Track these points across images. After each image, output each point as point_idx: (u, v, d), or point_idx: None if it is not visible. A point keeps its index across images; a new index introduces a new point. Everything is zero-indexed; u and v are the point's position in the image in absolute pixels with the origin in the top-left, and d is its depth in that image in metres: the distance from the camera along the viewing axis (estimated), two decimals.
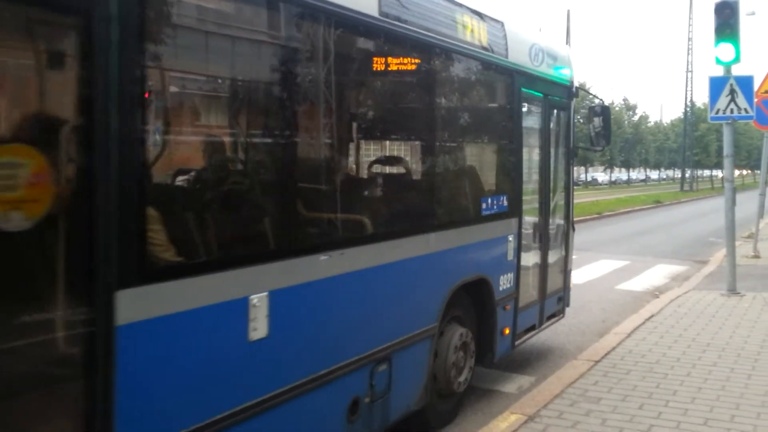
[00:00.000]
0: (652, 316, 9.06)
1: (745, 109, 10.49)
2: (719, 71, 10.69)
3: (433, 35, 5.11)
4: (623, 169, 77.91)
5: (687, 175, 62.12)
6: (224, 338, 3.33)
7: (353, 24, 4.29)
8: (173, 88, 3.43)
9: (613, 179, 75.97)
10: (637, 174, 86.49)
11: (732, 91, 10.44)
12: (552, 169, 7.52)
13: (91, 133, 2.65)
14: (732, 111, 10.51)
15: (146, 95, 2.97)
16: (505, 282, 6.28)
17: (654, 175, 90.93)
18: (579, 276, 13.20)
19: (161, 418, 2.95)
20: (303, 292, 3.82)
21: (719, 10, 10.31)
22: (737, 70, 10.67)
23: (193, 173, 3.59)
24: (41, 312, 2.67)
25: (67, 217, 2.66)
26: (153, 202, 3.01)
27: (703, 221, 25.21)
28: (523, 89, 6.62)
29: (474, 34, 5.71)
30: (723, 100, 10.53)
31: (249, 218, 3.74)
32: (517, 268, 6.53)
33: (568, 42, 41.69)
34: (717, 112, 10.65)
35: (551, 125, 7.43)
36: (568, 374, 6.58)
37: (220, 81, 3.69)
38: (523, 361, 7.41)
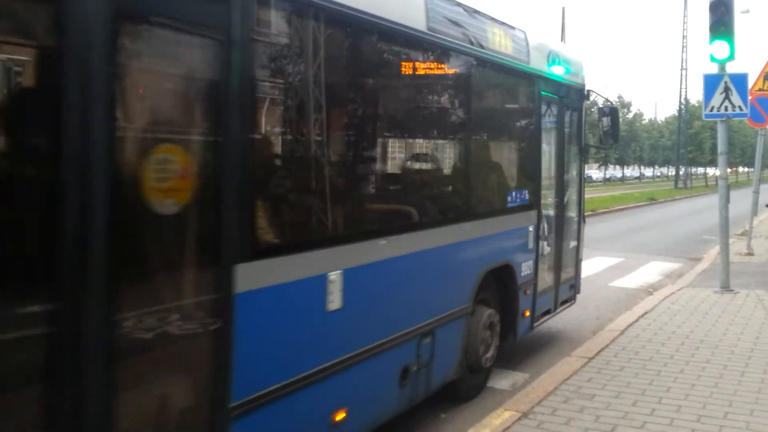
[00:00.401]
0: (645, 313, 9.08)
1: (740, 107, 10.50)
2: (714, 69, 10.70)
3: (469, 46, 5.77)
4: (618, 167, 78.04)
5: (681, 173, 62.25)
6: (309, 307, 3.98)
7: (407, 37, 4.97)
8: (277, 101, 4.12)
9: (607, 176, 76.07)
10: (631, 171, 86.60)
11: (726, 89, 10.45)
12: (565, 165, 8.08)
13: (220, 139, 3.35)
14: (726, 108, 10.53)
15: (258, 109, 3.73)
16: (525, 268, 6.90)
17: (648, 172, 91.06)
18: None
19: (263, 368, 3.62)
20: (367, 271, 4.46)
21: (714, 7, 10.33)
22: (732, 68, 10.70)
23: (290, 173, 4.20)
24: (184, 278, 3.34)
25: (200, 205, 3.32)
26: (260, 196, 3.73)
27: (697, 219, 25.28)
28: (542, 92, 7.26)
29: (502, 43, 6.39)
30: (717, 98, 10.54)
31: (328, 209, 4.33)
32: (536, 257, 7.14)
33: (563, 39, 41.68)
34: (711, 110, 10.66)
35: (565, 125, 8.03)
36: (562, 371, 6.59)
37: (308, 95, 4.22)
38: (517, 358, 7.41)
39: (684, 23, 60.43)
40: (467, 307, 5.84)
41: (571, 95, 8.14)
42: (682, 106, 60.91)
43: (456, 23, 5.60)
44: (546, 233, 7.43)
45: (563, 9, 51.32)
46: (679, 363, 6.86)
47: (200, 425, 3.34)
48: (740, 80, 10.59)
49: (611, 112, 8.71)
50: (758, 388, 6.11)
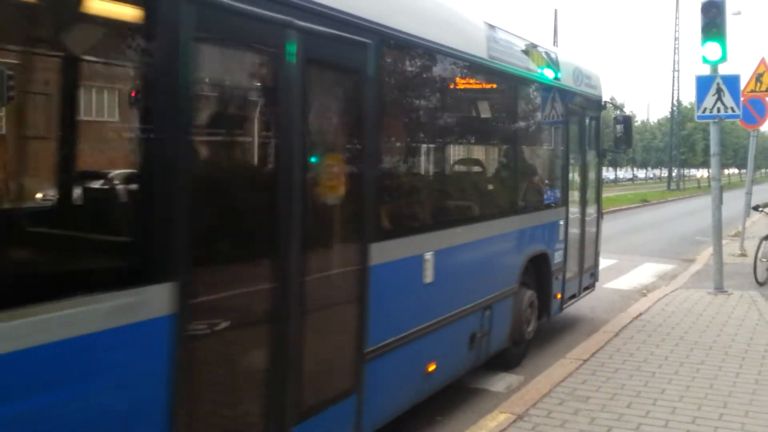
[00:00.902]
0: (640, 314, 9.09)
1: (732, 108, 10.53)
2: (706, 70, 10.73)
3: (519, 68, 6.95)
4: (610, 168, 78.26)
5: (674, 174, 62.47)
6: (412, 279, 5.10)
7: (471, 63, 6.10)
8: (394, 124, 5.20)
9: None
10: (624, 173, 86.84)
11: (719, 90, 10.48)
12: (586, 168, 9.10)
13: (364, 147, 4.54)
14: (719, 110, 10.56)
15: (383, 130, 4.85)
16: (557, 257, 8.00)
17: (641, 174, 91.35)
18: None
19: (385, 324, 4.71)
20: (450, 252, 5.56)
21: (706, 9, 10.36)
22: (724, 70, 10.73)
23: (402, 179, 5.35)
24: (340, 251, 4.53)
25: (349, 199, 4.46)
26: (384, 194, 4.88)
27: (690, 220, 25.34)
28: (569, 104, 8.35)
29: (538, 62, 7.49)
30: (710, 99, 10.57)
31: (425, 205, 5.64)
32: (565, 247, 8.21)
33: (555, 41, 41.79)
34: (704, 111, 10.69)
35: (587, 133, 9.07)
36: (556, 373, 6.58)
37: (416, 116, 5.61)
38: (512, 360, 7.40)
39: (676, 25, 60.68)
40: (515, 288, 6.94)
41: (591, 106, 9.19)
42: (675, 108, 61.14)
43: (506, 49, 6.76)
44: (572, 227, 8.50)
45: (556, 11, 51.53)
46: (674, 364, 6.86)
47: (349, 363, 4.45)
48: (732, 81, 10.62)
49: (624, 120, 9.80)
50: (753, 389, 6.12)
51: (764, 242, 12.03)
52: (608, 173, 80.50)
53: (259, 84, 4.01)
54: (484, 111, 6.78)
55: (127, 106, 3.28)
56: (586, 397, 5.92)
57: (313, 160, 4.13)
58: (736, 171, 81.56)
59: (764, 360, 7.02)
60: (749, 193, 16.09)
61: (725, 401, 5.82)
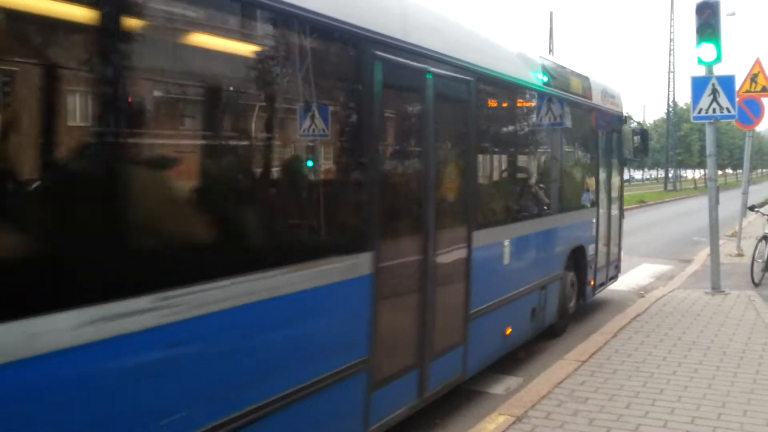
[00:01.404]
0: (637, 315, 9.11)
1: (727, 109, 10.55)
2: (701, 71, 10.76)
3: (564, 92, 8.48)
4: None
5: (670, 175, 62.53)
6: (498, 261, 6.63)
7: (533, 91, 7.72)
8: (485, 139, 6.81)
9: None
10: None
11: (714, 91, 10.51)
12: (612, 174, 10.58)
13: (468, 159, 6.14)
14: (714, 110, 10.58)
15: (480, 143, 6.49)
16: (591, 249, 9.42)
17: (638, 175, 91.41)
18: None
19: (481, 294, 6.20)
20: (520, 240, 7.12)
21: (700, 10, 10.39)
22: (719, 70, 10.75)
23: (492, 183, 7.14)
24: (455, 237, 5.87)
25: (459, 196, 6.04)
26: (481, 194, 6.56)
27: (687, 220, 25.37)
28: (599, 120, 9.82)
29: (577, 87, 8.99)
30: (705, 100, 10.60)
31: (505, 203, 7.31)
32: (597, 241, 9.63)
33: (551, 43, 41.84)
34: (699, 112, 10.72)
35: (611, 144, 10.51)
36: (555, 374, 6.59)
37: (501, 133, 7.34)
38: (510, 362, 7.41)
39: (671, 26, 60.69)
40: (561, 273, 8.47)
41: (615, 120, 10.67)
42: (671, 109, 61.24)
43: (555, 76, 8.23)
44: (601, 224, 9.87)
45: (551, 13, 51.63)
46: (672, 365, 6.87)
47: (460, 321, 5.90)
48: (727, 82, 10.65)
49: (642, 132, 11.59)
50: (751, 389, 6.13)
51: (761, 242, 12.06)
52: None
53: (410, 111, 5.53)
54: (542, 129, 8.16)
55: (352, 136, 4.69)
56: (585, 398, 5.93)
57: (440, 168, 5.68)
58: (731, 171, 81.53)
59: (762, 359, 7.03)
60: (746, 193, 16.14)
61: (723, 401, 5.83)
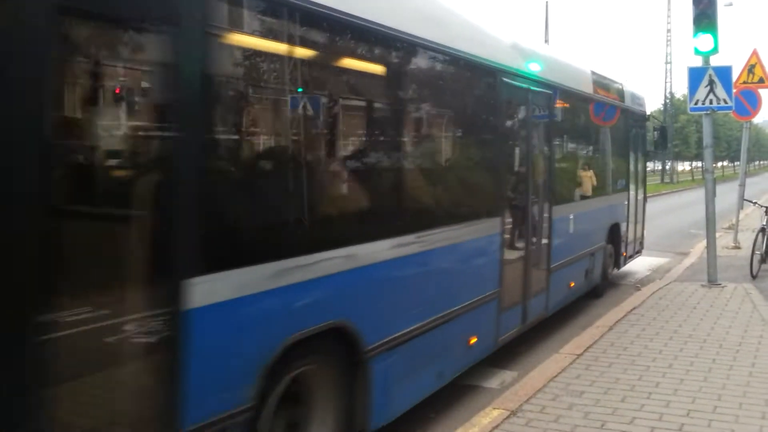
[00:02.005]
0: (634, 308, 9.08)
1: (724, 100, 10.51)
2: (698, 62, 10.71)
3: (607, 98, 10.55)
4: None
5: (667, 167, 62.47)
6: (567, 230, 8.64)
7: (584, 97, 9.63)
8: (566, 140, 9.43)
9: None
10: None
11: (711, 82, 10.46)
12: (638, 164, 12.54)
13: (551, 153, 8.34)
14: (711, 102, 10.54)
15: (559, 142, 8.92)
16: (623, 226, 11.38)
17: None
18: None
19: (557, 254, 8.23)
20: (580, 216, 9.05)
21: (697, 0, 10.33)
22: (716, 61, 10.71)
23: (565, 170, 9.16)
24: (545, 209, 8.05)
25: (545, 180, 8.11)
26: (558, 176, 8.57)
27: (684, 213, 25.31)
28: (630, 119, 11.84)
29: (615, 93, 11.09)
30: (702, 91, 10.55)
31: (570, 185, 9.35)
32: (627, 220, 11.60)
33: (546, 33, 41.66)
34: (696, 103, 10.67)
35: (638, 138, 12.48)
36: (550, 368, 6.56)
37: (572, 135, 9.78)
38: (505, 356, 7.38)
39: (668, 17, 60.58)
40: (604, 243, 10.45)
41: (640, 119, 12.63)
42: (668, 100, 61.15)
43: (599, 85, 10.13)
44: (630, 206, 11.80)
45: (546, 3, 51.52)
46: (668, 358, 6.84)
47: (544, 273, 7.98)
48: (724, 73, 10.60)
49: (661, 129, 13.62)
50: (746, 382, 6.11)
51: (759, 235, 12.04)
52: None
53: (519, 119, 7.73)
54: (595, 128, 10.39)
55: (490, 140, 6.86)
56: (580, 391, 5.89)
57: (534, 159, 7.92)
58: (728, 163, 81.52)
59: (758, 352, 7.01)
60: (743, 185, 16.09)
61: (719, 394, 5.81)
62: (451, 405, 6.00)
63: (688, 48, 10.51)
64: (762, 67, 14.30)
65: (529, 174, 7.56)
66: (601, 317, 8.75)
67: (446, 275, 5.76)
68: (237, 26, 3.83)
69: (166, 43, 3.26)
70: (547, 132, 8.25)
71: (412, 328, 5.14)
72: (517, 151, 7.59)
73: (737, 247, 15.10)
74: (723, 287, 10.51)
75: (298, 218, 4.08)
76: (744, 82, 14.30)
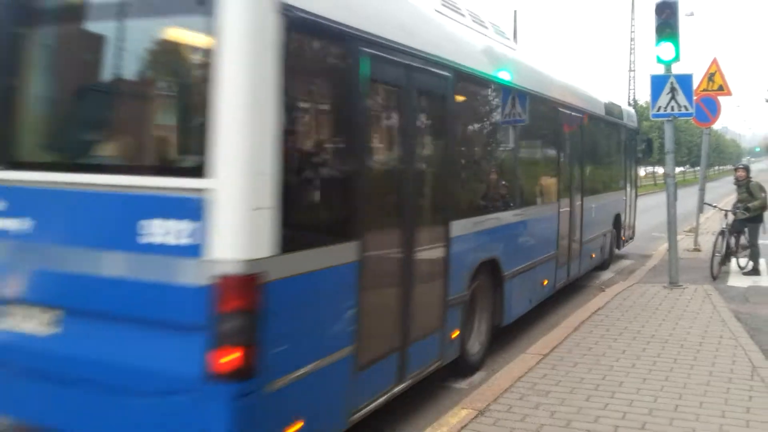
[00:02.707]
0: (598, 309, 9.24)
1: (685, 107, 10.74)
2: (660, 70, 10.93)
3: (613, 117, 13.28)
4: None
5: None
6: (591, 215, 11.36)
7: (600, 118, 12.24)
8: (591, 152, 12.06)
9: None
10: None
11: (672, 89, 10.68)
12: (631, 168, 15.14)
13: (581, 161, 11.01)
14: (673, 108, 10.76)
15: (587, 148, 11.57)
16: (623, 217, 14.10)
17: None
18: None
19: (585, 232, 11.09)
20: (599, 204, 11.89)
21: (659, 10, 10.55)
22: (677, 69, 10.94)
23: (586, 173, 11.35)
24: (578, 198, 10.73)
25: (579, 179, 10.92)
26: (580, 177, 10.87)
27: (646, 216, 25.59)
28: (626, 133, 14.46)
29: (618, 113, 13.90)
30: (664, 98, 10.77)
31: (588, 182, 11.33)
32: (626, 212, 14.33)
33: (515, 41, 42.04)
34: (658, 110, 10.89)
35: (632, 147, 15.10)
36: (517, 368, 6.66)
37: (592, 147, 12.12)
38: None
39: (632, 26, 61.47)
40: (611, 227, 13.15)
41: (632, 131, 15.28)
42: (631, 107, 61.90)
43: (609, 111, 12.98)
44: (626, 200, 14.37)
45: (515, 12, 52.01)
46: (631, 358, 6.99)
47: (579, 245, 10.75)
48: (686, 81, 10.84)
49: (648, 140, 15.88)
50: (707, 381, 6.26)
51: (719, 237, 12.32)
52: None
53: (579, 139, 10.83)
54: (607, 140, 13.28)
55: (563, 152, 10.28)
56: (546, 391, 6.00)
57: (573, 164, 10.54)
58: (688, 168, 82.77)
59: (718, 352, 7.19)
60: (702, 190, 16.41)
61: (680, 393, 5.95)
62: (419, 405, 6.05)
63: (651, 56, 10.71)
64: (721, 75, 14.66)
65: (573, 174, 10.45)
66: (567, 318, 8.89)
67: (534, 236, 8.55)
68: (465, 94, 6.90)
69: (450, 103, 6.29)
70: (581, 143, 10.82)
71: (522, 266, 8.03)
72: (569, 159, 10.29)
73: (698, 250, 15.42)
74: (684, 288, 10.74)
75: (485, 194, 7.42)
76: (704, 90, 14.63)
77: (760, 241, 12.57)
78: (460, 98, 6.53)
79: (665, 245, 13.35)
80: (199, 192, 3.63)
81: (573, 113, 10.31)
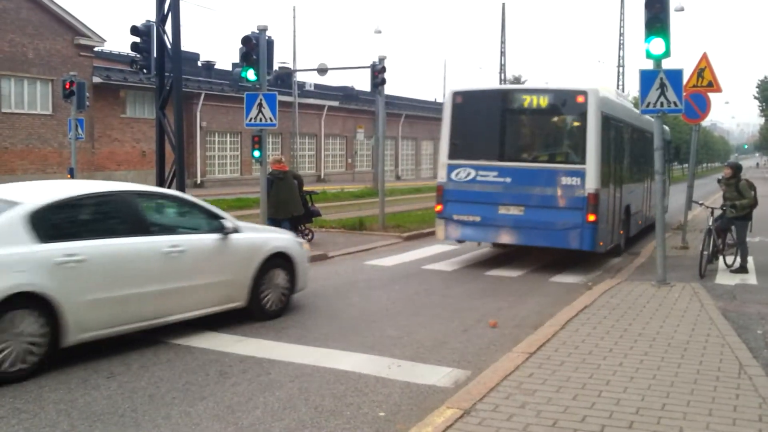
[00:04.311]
0: (585, 307, 9.18)
1: (675, 103, 10.68)
2: (650, 65, 10.87)
3: (666, 137, 20.18)
4: None
5: None
6: (637, 199, 17.09)
7: (664, 139, 15.91)
8: (634, 152, 17.34)
9: None
10: None
11: (662, 85, 10.62)
12: (665, 167, 16.26)
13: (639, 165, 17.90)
14: (662, 104, 10.70)
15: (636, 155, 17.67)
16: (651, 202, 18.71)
17: None
18: (515, 269, 13.32)
19: (631, 208, 16.08)
20: (635, 193, 16.78)
21: (650, 4, 10.50)
22: (667, 65, 10.88)
23: (623, 173, 16.41)
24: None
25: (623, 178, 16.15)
26: (633, 179, 17.01)
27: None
28: (667, 143, 19.07)
29: (668, 132, 21.47)
30: (653, 94, 10.71)
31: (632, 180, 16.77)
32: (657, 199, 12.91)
33: (503, 35, 41.99)
34: (648, 105, 10.83)
35: (668, 153, 18.72)
36: (503, 367, 6.58)
37: (632, 152, 16.82)
38: (459, 356, 7.39)
39: (621, 20, 61.48)
40: (643, 207, 18.13)
41: (668, 142, 19.62)
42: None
43: (666, 133, 19.24)
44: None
45: (503, 5, 52.04)
46: (618, 356, 6.93)
47: (622, 218, 15.01)
48: (675, 76, 10.77)
49: (676, 148, 25.28)
50: (694, 379, 6.21)
51: (707, 235, 12.31)
52: None
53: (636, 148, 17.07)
54: (663, 152, 13.69)
55: None
56: (533, 390, 5.92)
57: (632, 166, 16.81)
58: (676, 165, 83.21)
59: (705, 350, 7.14)
60: (691, 187, 16.43)
61: (668, 391, 5.89)
62: (404, 404, 5.96)
63: (640, 51, 10.68)
64: (711, 71, 14.62)
65: (640, 169, 16.53)
66: (553, 316, 8.82)
67: (640, 198, 16.73)
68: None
69: None
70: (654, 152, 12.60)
71: (635, 211, 16.15)
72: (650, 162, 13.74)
73: (685, 247, 15.42)
74: (672, 286, 10.70)
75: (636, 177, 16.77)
76: (694, 86, 14.61)
77: (748, 239, 12.55)
78: (636, 136, 16.38)
79: (653, 243, 13.34)
80: (581, 168, 12.42)
81: (639, 127, 16.78)
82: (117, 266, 7.16)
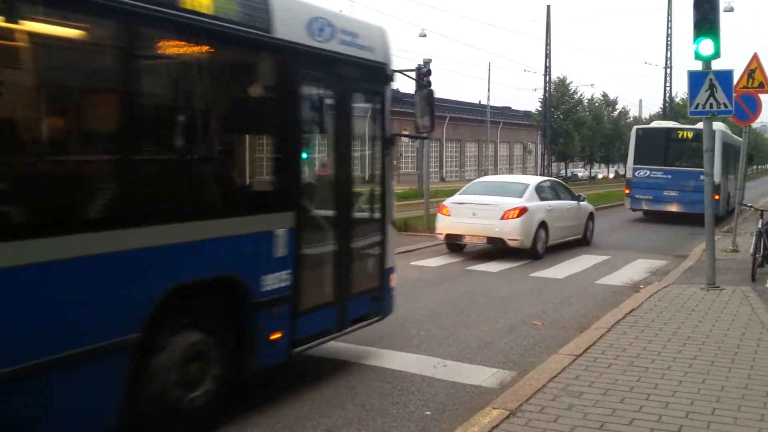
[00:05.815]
0: (632, 310, 9.09)
1: (725, 104, 10.50)
2: (698, 66, 10.71)
3: (738, 146, 22.05)
4: (603, 165, 78.20)
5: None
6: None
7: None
8: None
9: (592, 175, 76.14)
10: (617, 169, 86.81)
11: (711, 86, 10.46)
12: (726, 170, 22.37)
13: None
14: (711, 106, 10.53)
15: None
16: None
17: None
18: (559, 271, 13.24)
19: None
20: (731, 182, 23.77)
21: (699, 5, 10.34)
22: (716, 66, 10.71)
23: None
24: None
25: None
26: None
27: (682, 216, 25.37)
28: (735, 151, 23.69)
29: (738, 141, 22.62)
30: (702, 95, 10.55)
31: None
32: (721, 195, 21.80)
33: (548, 37, 41.76)
34: (696, 107, 10.67)
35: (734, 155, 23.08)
36: (549, 369, 6.57)
37: None
38: (504, 357, 7.40)
39: (668, 21, 60.43)
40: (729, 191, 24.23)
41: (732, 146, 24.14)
42: (667, 104, 61.10)
43: (734, 140, 25.73)
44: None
45: (548, 7, 51.63)
46: (667, 360, 6.86)
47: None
48: (725, 77, 10.59)
49: (749, 155, 17.82)
50: (745, 384, 6.12)
51: (757, 238, 12.08)
52: (602, 170, 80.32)
53: None
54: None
55: None
56: (579, 392, 5.91)
57: None
58: None
59: (756, 355, 7.02)
60: (741, 189, 16.13)
61: (718, 396, 5.82)
62: (450, 404, 6.01)
63: (689, 52, 10.42)
64: (762, 71, 14.32)
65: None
66: (599, 319, 8.76)
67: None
68: None
69: None
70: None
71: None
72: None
73: (735, 251, 15.13)
74: (721, 290, 10.53)
75: None
76: (744, 87, 14.32)
77: None
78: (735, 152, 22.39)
79: (702, 245, 13.13)
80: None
81: (734, 144, 22.04)
82: (561, 212, 15.80)
